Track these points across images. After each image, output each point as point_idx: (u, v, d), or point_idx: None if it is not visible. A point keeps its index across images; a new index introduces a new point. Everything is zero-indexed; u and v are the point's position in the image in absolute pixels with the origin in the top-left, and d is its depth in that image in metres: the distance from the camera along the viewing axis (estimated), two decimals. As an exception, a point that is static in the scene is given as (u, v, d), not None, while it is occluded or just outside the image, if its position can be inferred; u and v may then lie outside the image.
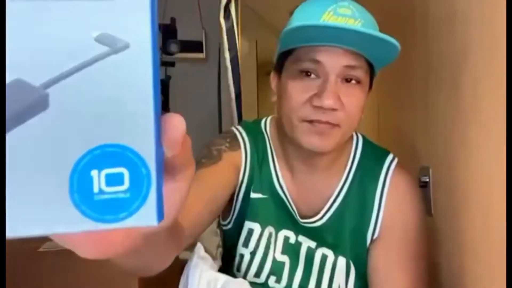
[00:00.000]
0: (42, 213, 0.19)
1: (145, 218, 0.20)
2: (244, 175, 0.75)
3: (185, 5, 2.69)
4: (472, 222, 0.70)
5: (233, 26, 1.99)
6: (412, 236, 0.72)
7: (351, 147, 0.77)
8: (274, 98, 0.73)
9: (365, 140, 0.79)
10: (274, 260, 0.75)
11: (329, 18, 0.62)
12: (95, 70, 0.20)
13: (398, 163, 0.76)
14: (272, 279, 0.75)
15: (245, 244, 0.77)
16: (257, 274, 0.75)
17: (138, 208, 0.20)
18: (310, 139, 0.65)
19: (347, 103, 0.64)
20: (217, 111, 2.54)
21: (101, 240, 0.22)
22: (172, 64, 2.76)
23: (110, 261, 0.31)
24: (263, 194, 0.76)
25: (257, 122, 0.82)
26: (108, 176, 0.20)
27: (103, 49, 0.20)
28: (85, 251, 0.23)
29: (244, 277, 0.76)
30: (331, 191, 0.74)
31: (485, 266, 0.66)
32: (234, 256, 0.78)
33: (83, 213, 0.20)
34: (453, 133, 0.77)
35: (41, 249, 1.39)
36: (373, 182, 0.74)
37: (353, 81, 0.65)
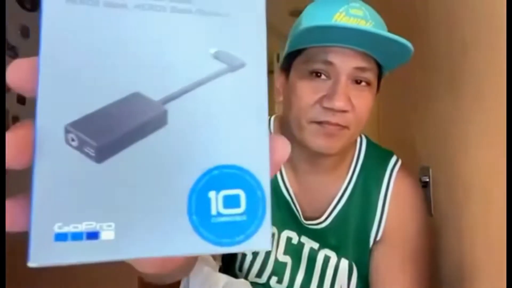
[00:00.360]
0: (159, 235, 0.19)
1: (260, 242, 0.20)
2: None
3: (185, 5, 2.70)
4: (472, 222, 0.70)
5: (233, 26, 1.98)
6: (415, 238, 0.72)
7: (355, 148, 0.77)
8: (280, 98, 0.72)
9: (368, 141, 0.79)
10: (276, 260, 0.75)
11: (341, 18, 0.61)
12: (212, 88, 0.19)
13: (401, 165, 0.76)
14: (274, 279, 0.75)
15: None
16: (259, 274, 0.75)
17: (254, 231, 0.20)
18: (318, 141, 0.64)
19: (357, 105, 0.63)
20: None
21: (162, 258, 0.21)
22: (172, 64, 2.76)
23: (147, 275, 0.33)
24: None
25: None
26: (225, 198, 0.19)
27: (220, 66, 0.19)
28: (144, 266, 0.23)
29: (246, 277, 0.76)
30: (335, 192, 0.74)
31: (485, 266, 0.66)
32: (236, 256, 0.78)
33: (202, 236, 0.19)
34: (453, 133, 0.77)
35: (41, 249, 1.40)
36: (377, 184, 0.73)
37: (363, 83, 0.64)
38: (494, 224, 0.61)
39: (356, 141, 0.77)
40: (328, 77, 0.63)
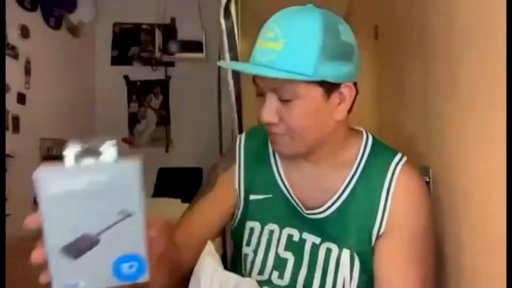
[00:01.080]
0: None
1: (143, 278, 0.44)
2: (239, 184, 0.82)
3: (185, 5, 2.69)
4: (472, 221, 0.70)
5: (233, 26, 1.98)
6: (418, 234, 0.72)
7: (360, 144, 0.79)
8: None
9: (374, 139, 0.82)
10: (277, 256, 0.76)
11: (259, 43, 0.70)
12: (117, 227, 0.41)
13: (406, 161, 0.77)
14: (275, 274, 0.76)
15: (248, 243, 0.79)
16: (261, 271, 0.77)
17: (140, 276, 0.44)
18: (272, 145, 0.77)
19: (285, 117, 0.70)
20: (217, 111, 2.54)
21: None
22: (172, 64, 2.75)
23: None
24: (266, 194, 0.80)
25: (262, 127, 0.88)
26: (127, 266, 0.43)
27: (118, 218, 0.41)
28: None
29: (249, 276, 0.77)
30: (337, 185, 0.76)
31: (485, 266, 0.66)
32: (239, 258, 0.81)
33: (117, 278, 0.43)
34: (453, 133, 0.78)
35: (41, 249, 1.39)
36: (380, 179, 0.75)
37: (285, 100, 0.69)
38: (494, 224, 0.61)
39: (362, 137, 0.81)
40: (263, 94, 0.72)
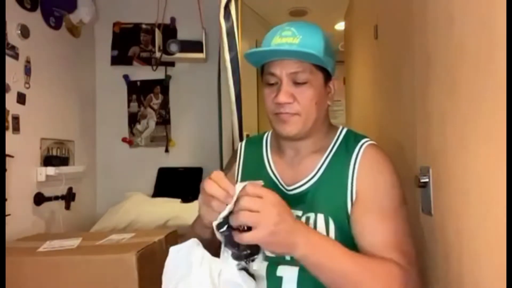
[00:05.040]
0: None
1: None
2: (238, 176, 1.03)
3: (185, 5, 2.68)
4: (472, 221, 0.70)
5: (233, 26, 1.98)
6: (385, 194, 0.86)
7: (335, 134, 0.97)
8: None
9: (349, 130, 0.99)
10: None
11: (276, 40, 0.88)
12: None
13: (373, 143, 0.93)
14: None
15: None
16: None
17: None
18: (278, 127, 0.91)
19: (299, 97, 0.88)
20: (217, 111, 2.54)
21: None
22: (172, 64, 2.75)
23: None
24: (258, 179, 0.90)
25: (262, 134, 1.10)
26: None
27: None
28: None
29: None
30: (314, 166, 0.94)
31: (485, 266, 0.66)
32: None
33: None
34: (453, 133, 0.78)
35: (41, 249, 1.39)
36: (348, 156, 0.91)
37: (301, 83, 0.87)
38: (494, 224, 0.62)
39: (337, 130, 0.99)
40: (276, 82, 0.89)
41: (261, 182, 0.75)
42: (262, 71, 0.94)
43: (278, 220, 0.70)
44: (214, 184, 0.72)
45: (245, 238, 0.70)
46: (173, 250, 0.77)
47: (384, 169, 0.89)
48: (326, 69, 0.90)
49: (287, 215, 0.73)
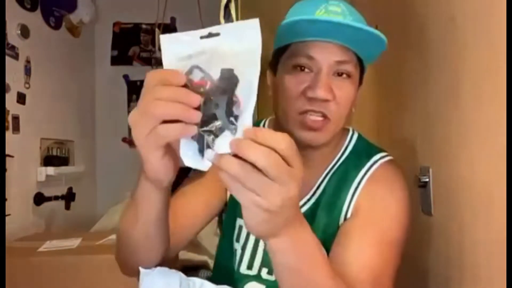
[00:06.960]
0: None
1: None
2: None
3: (185, 5, 2.69)
4: (472, 221, 0.70)
5: (233, 26, 1.98)
6: (390, 219, 0.69)
7: (344, 141, 0.79)
8: (270, 93, 0.77)
9: (360, 137, 0.81)
10: (265, 253, 0.76)
11: (321, 15, 0.66)
12: None
13: (390, 160, 0.76)
14: (264, 270, 0.77)
15: (237, 239, 0.80)
16: (249, 266, 0.78)
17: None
18: (303, 134, 0.68)
19: (339, 95, 0.67)
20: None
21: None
22: (172, 64, 2.76)
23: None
24: None
25: (257, 123, 0.87)
26: None
27: None
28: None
29: (238, 269, 0.78)
30: (312, 184, 0.76)
31: (485, 266, 0.66)
32: (228, 251, 0.81)
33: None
34: (453, 133, 0.77)
35: (41, 249, 1.39)
36: (357, 169, 0.74)
37: (344, 75, 0.68)
38: (494, 224, 0.61)
39: (346, 135, 0.80)
40: (311, 70, 0.68)
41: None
42: (282, 52, 0.71)
43: (290, 204, 0.45)
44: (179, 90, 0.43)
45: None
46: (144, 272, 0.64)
47: (399, 193, 0.72)
48: (362, 70, 0.72)
49: (297, 199, 0.48)
